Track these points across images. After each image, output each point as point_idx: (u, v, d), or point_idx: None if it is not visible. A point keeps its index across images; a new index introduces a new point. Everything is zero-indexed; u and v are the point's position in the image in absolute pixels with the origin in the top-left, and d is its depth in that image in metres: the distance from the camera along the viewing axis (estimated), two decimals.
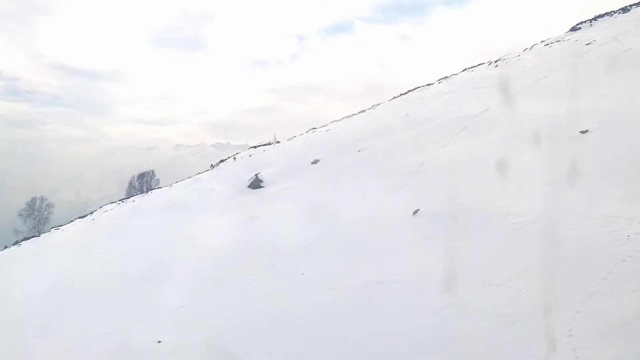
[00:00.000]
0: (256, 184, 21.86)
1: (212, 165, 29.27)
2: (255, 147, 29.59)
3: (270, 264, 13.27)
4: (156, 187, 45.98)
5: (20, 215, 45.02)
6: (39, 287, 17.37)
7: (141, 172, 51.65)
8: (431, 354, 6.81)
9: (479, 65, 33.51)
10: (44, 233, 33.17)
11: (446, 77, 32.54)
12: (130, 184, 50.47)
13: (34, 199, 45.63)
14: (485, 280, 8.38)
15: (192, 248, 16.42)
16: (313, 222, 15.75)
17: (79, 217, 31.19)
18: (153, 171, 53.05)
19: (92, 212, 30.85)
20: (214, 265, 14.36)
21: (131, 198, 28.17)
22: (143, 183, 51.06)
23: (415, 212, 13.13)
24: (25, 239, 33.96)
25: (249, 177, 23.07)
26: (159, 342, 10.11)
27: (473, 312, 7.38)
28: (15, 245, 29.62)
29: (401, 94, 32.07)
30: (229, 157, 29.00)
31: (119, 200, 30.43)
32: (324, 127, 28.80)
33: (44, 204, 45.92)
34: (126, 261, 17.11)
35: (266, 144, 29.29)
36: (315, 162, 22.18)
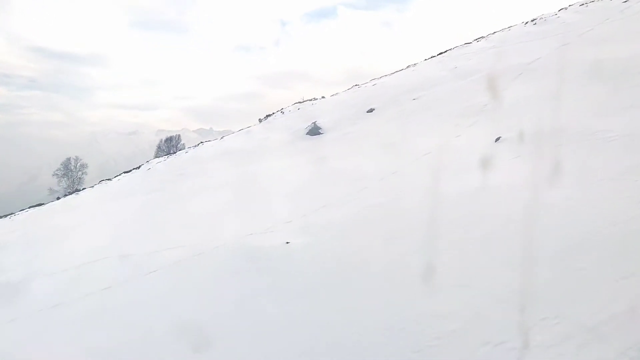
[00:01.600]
0: (315, 131, 23.04)
1: (259, 119, 30.37)
2: (300, 102, 30.69)
3: (362, 186, 14.51)
4: (182, 149, 47.12)
5: (55, 175, 46.38)
6: (126, 216, 18.81)
7: (168, 136, 52.89)
8: None
9: (514, 25, 34.30)
10: (81, 190, 34.31)
11: (483, 36, 33.35)
12: (159, 147, 51.75)
13: (68, 159, 46.88)
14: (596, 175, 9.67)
15: (275, 179, 17.74)
16: (388, 155, 16.94)
17: (125, 172, 32.40)
18: (179, 135, 54.25)
19: (139, 166, 32.12)
20: (305, 191, 15.65)
21: (181, 151, 29.29)
22: (170, 146, 52.35)
23: (497, 139, 14.31)
24: (67, 194, 35.25)
25: (303, 126, 24.22)
26: (287, 242, 11.43)
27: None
28: (59, 200, 30.85)
29: (438, 54, 32.92)
30: (276, 112, 30.09)
31: (165, 156, 31.57)
32: (368, 83, 29.84)
33: (78, 164, 47.22)
34: (210, 194, 18.40)
35: (311, 99, 30.39)
36: (370, 110, 23.30)
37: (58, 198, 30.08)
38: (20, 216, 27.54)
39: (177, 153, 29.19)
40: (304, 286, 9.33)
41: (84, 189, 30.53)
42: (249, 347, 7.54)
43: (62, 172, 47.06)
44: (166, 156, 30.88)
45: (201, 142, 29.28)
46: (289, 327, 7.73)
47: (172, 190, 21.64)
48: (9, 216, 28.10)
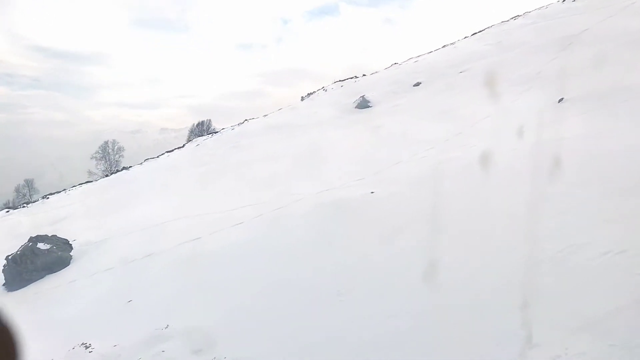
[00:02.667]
0: (364, 104, 23.76)
1: (302, 97, 31.11)
2: (341, 80, 31.36)
3: (429, 147, 15.22)
4: (213, 131, 48.13)
5: (94, 158, 47.78)
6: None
7: (200, 120, 54.02)
8: None
9: (550, 4, 34.54)
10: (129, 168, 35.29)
11: (519, 15, 33.63)
12: (191, 131, 52.89)
13: (106, 143, 48.25)
14: None
15: (333, 146, 18.52)
16: (445, 121, 17.58)
17: (167, 151, 33.42)
18: (210, 120, 55.36)
19: (183, 145, 33.14)
20: (369, 154, 16.42)
21: (225, 129, 30.15)
22: (202, 130, 53.43)
23: (560, 100, 14.89)
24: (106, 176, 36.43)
25: (350, 101, 24.96)
26: (372, 192, 12.20)
27: None
28: (112, 175, 31.97)
29: (476, 33, 33.28)
30: (317, 90, 30.83)
31: (207, 134, 32.51)
32: (408, 61, 30.42)
33: (116, 147, 48.57)
34: (270, 162, 19.25)
35: (352, 77, 31.04)
36: (417, 84, 23.94)
37: (107, 175, 31.20)
38: (75, 191, 28.77)
39: (220, 131, 30.14)
40: (389, 229, 10.06)
41: (130, 167, 31.61)
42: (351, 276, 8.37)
43: (101, 155, 48.52)
44: (207, 135, 31.81)
45: (245, 120, 30.15)
46: (381, 263, 8.51)
47: (227, 160, 22.56)
48: (64, 191, 29.32)
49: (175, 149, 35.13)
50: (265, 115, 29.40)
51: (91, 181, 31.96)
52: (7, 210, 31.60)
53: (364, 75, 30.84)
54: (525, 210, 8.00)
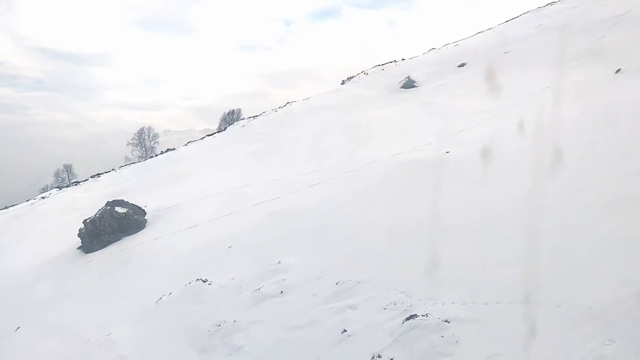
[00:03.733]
0: (409, 84, 24.35)
1: (343, 80, 31.70)
2: (381, 64, 31.90)
3: (488, 117, 15.78)
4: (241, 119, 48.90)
5: (130, 144, 48.91)
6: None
7: (230, 109, 54.82)
8: None
9: None
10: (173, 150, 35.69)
11: (555, 1, 33.83)
12: (223, 119, 53.81)
13: (141, 129, 49.35)
14: None
15: (386, 121, 19.18)
16: (499, 96, 18.04)
17: (208, 135, 34.15)
18: (240, 109, 56.15)
19: (225, 128, 33.91)
20: (427, 125, 17.03)
21: (268, 111, 30.75)
22: (233, 119, 54.30)
23: (617, 71, 15.38)
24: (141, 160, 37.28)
25: (395, 82, 25.56)
26: (447, 152, 12.81)
27: None
28: (162, 155, 32.59)
29: (512, 18, 33.54)
30: (357, 74, 31.40)
31: (248, 118, 33.10)
32: (448, 45, 30.92)
33: (151, 133, 49.64)
34: (322, 137, 19.93)
35: (392, 62, 31.58)
36: (462, 65, 24.46)
37: (156, 155, 32.01)
38: (125, 170, 29.70)
39: (264, 112, 30.83)
40: (471, 180, 10.67)
41: (173, 149, 32.40)
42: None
43: (137, 141, 49.65)
44: (249, 119, 32.42)
45: (288, 103, 30.80)
46: (472, 207, 9.16)
47: (279, 137, 23.28)
48: (113, 170, 30.25)
49: (216, 132, 35.96)
50: (307, 98, 30.04)
51: (135, 162, 32.87)
52: (58, 188, 32.69)
53: (403, 59, 31.39)
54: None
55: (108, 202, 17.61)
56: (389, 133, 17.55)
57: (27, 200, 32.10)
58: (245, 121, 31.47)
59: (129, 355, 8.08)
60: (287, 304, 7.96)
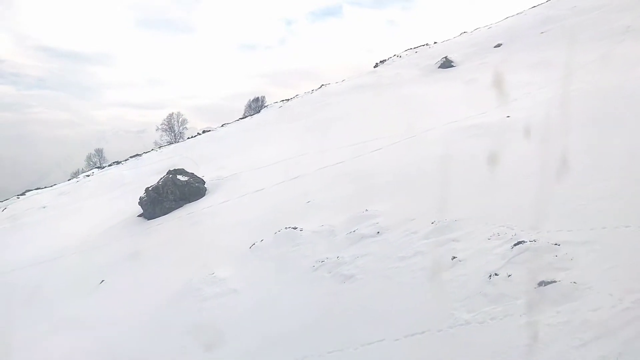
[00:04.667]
0: (447, 64, 24.74)
1: (375, 64, 32.13)
2: (414, 47, 32.28)
3: (538, 87, 16.14)
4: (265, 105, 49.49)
5: (159, 129, 49.71)
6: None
7: (255, 97, 55.47)
8: None
9: None
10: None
11: None
12: (248, 106, 54.43)
13: (170, 115, 50.13)
14: None
15: (430, 98, 19.59)
16: (544, 71, 18.44)
17: (242, 118, 34.71)
18: (264, 96, 56.74)
19: (259, 110, 34.49)
20: (475, 98, 17.40)
21: (303, 93, 31.32)
22: (258, 106, 54.90)
23: None
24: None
25: (431, 62, 25.93)
26: (508, 116, 13.22)
27: None
28: (202, 134, 33.15)
29: (540, 4, 33.67)
30: (389, 57, 31.81)
31: (281, 101, 33.68)
32: (480, 28, 31.19)
33: (180, 119, 50.39)
34: (371, 112, 20.39)
35: (424, 45, 31.94)
36: (498, 45, 24.77)
37: (198, 134, 32.60)
38: (165, 149, 30.48)
39: (297, 95, 31.38)
40: (538, 138, 11.08)
41: (209, 130, 33.09)
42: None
43: (167, 126, 50.55)
44: (282, 101, 32.97)
45: (322, 85, 31.34)
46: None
47: (321, 115, 23.77)
48: (153, 150, 31.06)
49: (248, 116, 36.51)
50: (342, 81, 30.50)
51: (172, 143, 33.56)
52: (97, 167, 33.49)
53: (435, 42, 31.72)
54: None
55: (169, 170, 18.24)
56: (438, 106, 17.97)
57: (69, 180, 33.00)
58: (281, 103, 32.01)
59: (240, 289, 8.65)
60: (387, 242, 8.47)
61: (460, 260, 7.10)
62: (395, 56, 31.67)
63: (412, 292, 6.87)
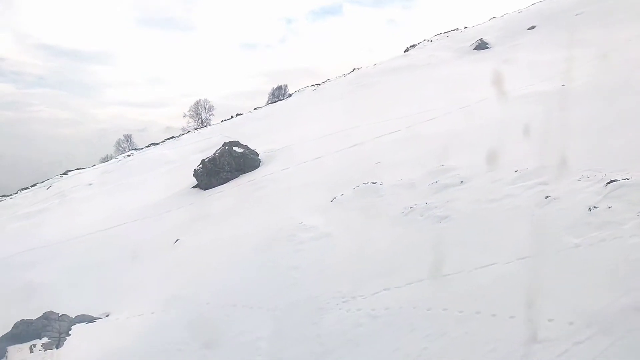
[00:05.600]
0: (482, 46, 25.05)
1: (406, 48, 32.45)
2: (445, 32, 32.56)
3: (585, 61, 16.43)
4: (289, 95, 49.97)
5: (186, 115, 50.38)
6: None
7: (277, 85, 55.82)
8: None
9: None
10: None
11: None
12: (272, 94, 54.87)
13: (197, 101, 50.78)
14: None
15: (467, 75, 19.92)
16: (583, 48, 18.68)
17: (271, 103, 35.13)
18: (286, 85, 57.08)
19: (290, 95, 34.97)
20: (517, 74, 17.72)
21: (331, 79, 31.75)
22: (280, 94, 55.38)
23: None
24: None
25: (465, 45, 26.24)
26: (563, 85, 13.55)
27: None
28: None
29: None
30: (419, 42, 32.11)
31: (312, 85, 34.11)
32: (510, 14, 31.41)
33: (207, 105, 50.99)
34: (413, 87, 20.76)
35: (455, 29, 32.21)
36: (532, 27, 25.02)
37: (232, 117, 33.11)
38: (205, 130, 31.09)
39: (328, 80, 31.83)
40: (601, 101, 11.44)
41: (241, 114, 33.62)
42: None
43: (194, 112, 51.28)
44: (314, 85, 33.33)
45: (355, 68, 31.75)
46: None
47: (360, 94, 24.21)
48: (190, 131, 31.73)
49: (278, 100, 36.93)
50: (375, 64, 30.89)
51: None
52: (135, 149, 34.13)
53: (465, 27, 31.96)
54: None
55: (225, 142, 18.75)
56: (483, 82, 18.23)
57: (107, 161, 33.73)
58: (311, 87, 32.44)
59: (333, 233, 9.15)
60: (472, 189, 8.92)
61: (554, 199, 7.53)
62: (426, 41, 31.96)
63: (512, 226, 7.31)
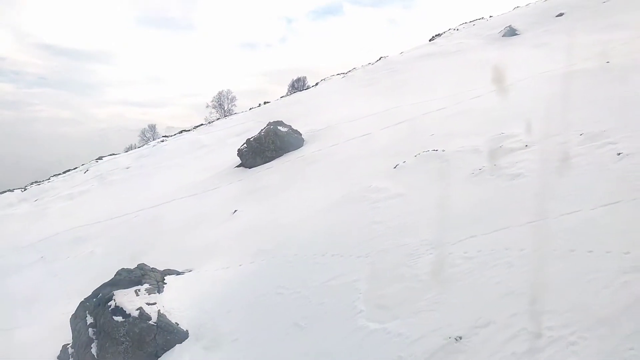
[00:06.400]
0: (511, 32, 25.25)
1: (432, 37, 32.68)
2: (471, 21, 32.76)
3: (620, 42, 16.64)
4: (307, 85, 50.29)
5: (209, 106, 50.96)
6: None
7: (297, 77, 56.26)
8: None
9: None
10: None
11: None
12: (291, 85, 55.34)
13: (220, 92, 51.27)
14: None
15: (506, 57, 20.14)
16: (616, 33, 18.86)
17: (300, 90, 35.43)
18: (305, 76, 57.49)
19: (316, 84, 35.32)
20: (553, 56, 17.94)
21: (357, 68, 32.08)
22: (299, 85, 55.81)
23: None
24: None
25: (495, 32, 26.46)
26: (607, 62, 13.79)
27: None
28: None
29: None
30: (444, 31, 32.32)
31: (338, 74, 34.41)
32: (531, 4, 31.51)
33: (230, 96, 51.52)
34: (454, 70, 21.01)
35: (480, 18, 32.40)
36: (560, 14, 25.16)
37: (267, 102, 33.51)
38: (237, 116, 31.56)
39: (354, 68, 32.13)
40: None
41: (268, 102, 34.05)
42: None
43: (217, 103, 51.84)
44: (340, 74, 33.63)
45: (381, 57, 32.01)
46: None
47: (393, 79, 24.51)
48: (225, 117, 32.21)
49: (298, 91, 37.26)
50: (401, 52, 31.17)
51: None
52: (166, 136, 34.67)
53: (490, 16, 32.12)
54: None
55: (270, 122, 19.18)
56: (520, 63, 18.51)
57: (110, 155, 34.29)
58: (341, 75, 32.75)
59: (406, 192, 9.53)
60: (539, 151, 9.21)
61: (626, 155, 7.84)
62: (452, 29, 32.14)
63: (589, 179, 7.63)
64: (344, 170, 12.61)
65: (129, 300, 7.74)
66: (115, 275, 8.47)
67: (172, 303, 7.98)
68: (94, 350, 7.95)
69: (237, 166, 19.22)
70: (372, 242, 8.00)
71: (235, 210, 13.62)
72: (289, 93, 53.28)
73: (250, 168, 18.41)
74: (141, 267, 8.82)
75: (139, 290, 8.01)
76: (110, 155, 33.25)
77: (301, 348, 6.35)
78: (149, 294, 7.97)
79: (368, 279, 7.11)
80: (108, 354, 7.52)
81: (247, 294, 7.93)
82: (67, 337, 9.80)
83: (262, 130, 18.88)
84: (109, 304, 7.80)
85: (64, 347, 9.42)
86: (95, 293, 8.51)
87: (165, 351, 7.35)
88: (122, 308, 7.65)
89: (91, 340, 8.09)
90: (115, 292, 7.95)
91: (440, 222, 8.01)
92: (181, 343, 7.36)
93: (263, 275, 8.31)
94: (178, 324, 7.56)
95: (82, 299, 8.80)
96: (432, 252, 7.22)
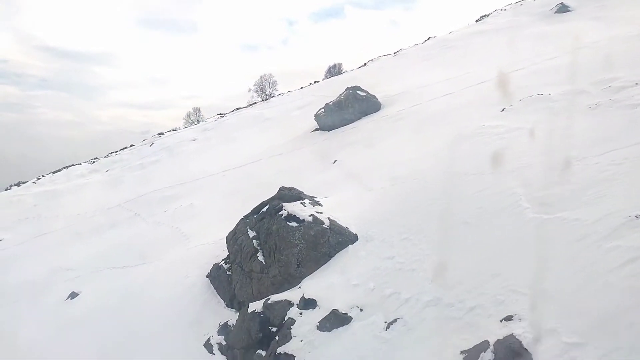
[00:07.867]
0: (563, 9, 25.53)
1: (478, 18, 33.00)
2: (517, 2, 32.98)
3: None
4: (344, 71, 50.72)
5: (251, 90, 51.71)
6: None
7: (333, 63, 56.62)
8: None
9: None
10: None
11: None
12: (328, 71, 55.77)
13: (262, 77, 52.05)
14: None
15: (562, 32, 20.49)
16: None
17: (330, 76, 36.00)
18: (341, 63, 57.87)
19: (367, 62, 35.91)
20: (611, 30, 18.27)
21: (410, 46, 32.62)
22: (335, 71, 56.39)
23: None
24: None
25: (546, 9, 26.73)
26: None
27: None
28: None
29: None
30: (489, 14, 32.61)
31: (384, 55, 35.07)
32: None
33: (271, 80, 52.24)
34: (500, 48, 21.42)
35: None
36: None
37: (316, 81, 34.21)
38: (294, 93, 32.34)
39: (401, 49, 32.74)
40: None
41: (317, 81, 34.88)
42: None
43: (259, 87, 52.60)
44: (387, 55, 34.25)
45: (429, 37, 32.50)
46: None
47: (449, 55, 24.99)
48: (287, 92, 33.05)
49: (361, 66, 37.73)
50: (450, 32, 31.61)
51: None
52: (220, 115, 35.57)
53: None
54: None
55: (348, 87, 19.86)
56: (586, 31, 18.74)
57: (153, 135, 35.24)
58: (390, 55, 33.27)
59: (523, 126, 10.13)
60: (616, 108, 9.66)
61: None
62: (498, 10, 32.42)
63: None
64: (444, 118, 13.21)
65: (299, 209, 8.55)
66: (278, 191, 9.30)
67: (335, 213, 8.77)
68: (260, 258, 8.78)
69: (314, 130, 19.93)
70: (512, 161, 8.61)
71: (335, 160, 14.36)
72: (325, 77, 53.86)
73: (329, 131, 19.10)
74: (290, 188, 9.63)
75: (304, 202, 8.81)
76: (171, 130, 34.30)
77: (471, 240, 6.99)
78: (313, 205, 8.77)
79: (524, 185, 7.73)
80: (282, 255, 8.31)
81: (402, 206, 8.64)
82: (199, 264, 10.77)
83: (341, 94, 19.55)
84: (280, 212, 8.62)
85: (215, 265, 10.32)
86: (257, 209, 9.34)
87: (338, 251, 8.14)
88: (294, 215, 8.45)
89: (256, 250, 8.91)
90: (283, 204, 8.77)
91: (573, 143, 8.58)
92: (353, 244, 8.15)
93: (410, 192, 9.00)
94: (348, 228, 8.36)
95: (242, 217, 9.63)
96: (580, 163, 7.78)
